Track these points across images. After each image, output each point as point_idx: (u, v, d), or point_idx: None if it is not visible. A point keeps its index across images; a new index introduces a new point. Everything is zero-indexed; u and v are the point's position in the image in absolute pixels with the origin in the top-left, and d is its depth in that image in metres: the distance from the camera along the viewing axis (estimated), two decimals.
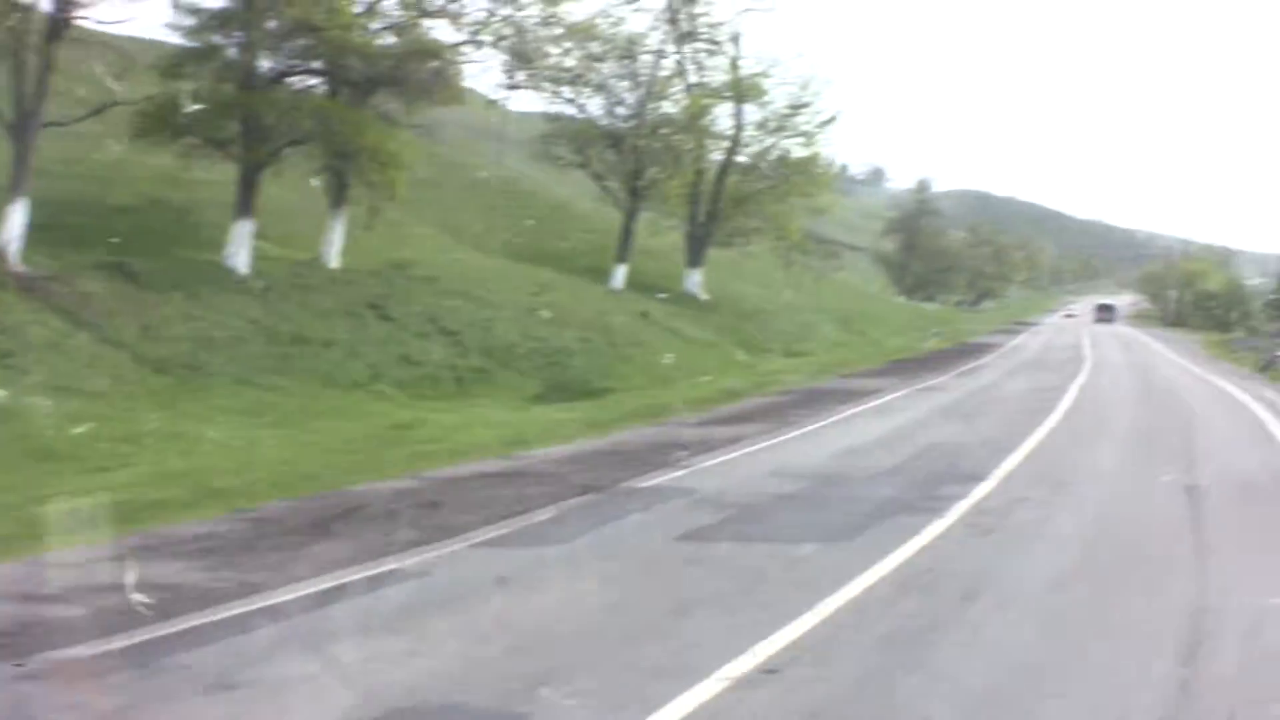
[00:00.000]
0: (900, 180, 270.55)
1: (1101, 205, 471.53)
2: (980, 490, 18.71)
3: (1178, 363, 66.95)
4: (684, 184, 63.77)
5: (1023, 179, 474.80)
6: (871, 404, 34.47)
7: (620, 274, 60.22)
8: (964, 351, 69.16)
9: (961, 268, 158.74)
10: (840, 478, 20.03)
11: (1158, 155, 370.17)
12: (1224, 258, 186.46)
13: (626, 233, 61.74)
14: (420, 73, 39.85)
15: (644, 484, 18.90)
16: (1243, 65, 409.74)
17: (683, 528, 15.45)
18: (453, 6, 43.04)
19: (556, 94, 60.92)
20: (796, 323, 69.36)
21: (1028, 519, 16.68)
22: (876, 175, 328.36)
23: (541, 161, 66.92)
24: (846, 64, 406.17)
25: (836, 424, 28.95)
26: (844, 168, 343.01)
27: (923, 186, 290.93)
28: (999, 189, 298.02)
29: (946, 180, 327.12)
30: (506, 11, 44.89)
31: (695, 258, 65.27)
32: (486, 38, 44.77)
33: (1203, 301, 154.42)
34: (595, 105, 61.97)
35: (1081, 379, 48.57)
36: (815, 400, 35.24)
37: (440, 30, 44.90)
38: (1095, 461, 23.23)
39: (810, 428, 27.73)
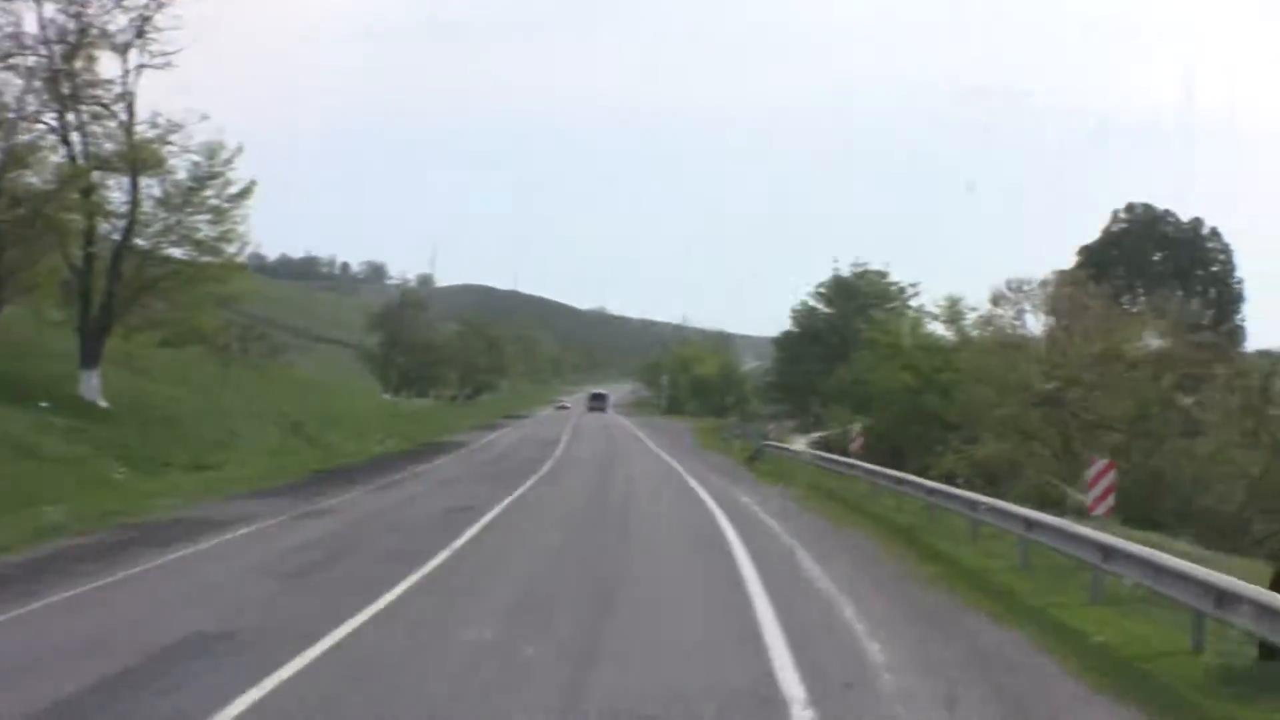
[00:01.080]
0: (402, 277, 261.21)
1: (603, 295, 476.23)
2: None
3: (660, 459, 59.27)
4: (58, 269, 51.94)
5: (527, 273, 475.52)
6: (208, 544, 23.95)
7: None
8: (417, 455, 59.77)
9: (453, 361, 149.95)
10: None
11: (656, 244, 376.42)
12: (720, 342, 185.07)
13: None
14: None
15: None
16: (735, 159, 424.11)
17: None
18: None
19: None
20: (223, 429, 58.05)
21: None
22: (377, 272, 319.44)
23: None
24: (338, 149, 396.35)
25: (117, 585, 18.40)
26: (259, 252, 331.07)
27: (424, 281, 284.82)
28: (502, 282, 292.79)
29: (451, 275, 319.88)
30: None
31: (89, 357, 53.13)
32: None
33: (699, 387, 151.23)
34: None
35: (525, 487, 39.58)
36: (148, 539, 24.57)
37: None
38: (441, 663, 13.18)
39: (67, 594, 17.12)
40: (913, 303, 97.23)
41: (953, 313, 72.01)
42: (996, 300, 72.32)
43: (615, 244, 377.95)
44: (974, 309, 70.93)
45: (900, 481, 33.67)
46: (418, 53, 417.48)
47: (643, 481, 43.59)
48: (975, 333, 70.41)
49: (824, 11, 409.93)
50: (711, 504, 33.63)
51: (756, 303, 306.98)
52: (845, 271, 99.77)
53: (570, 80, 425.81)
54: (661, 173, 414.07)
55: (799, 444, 67.68)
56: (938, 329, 74.69)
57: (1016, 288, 72.76)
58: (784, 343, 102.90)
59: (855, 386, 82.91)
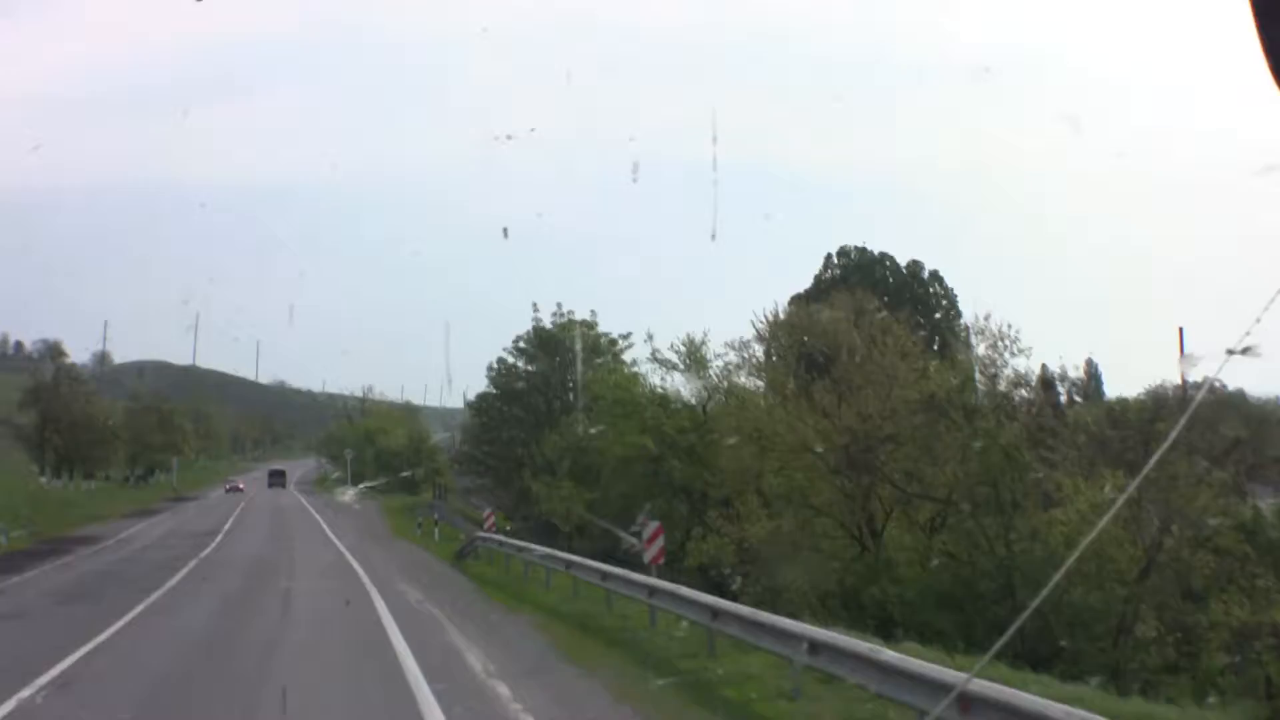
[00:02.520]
0: (79, 355, 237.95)
1: (284, 369, 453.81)
2: None
3: (340, 558, 45.02)
4: None
5: (207, 349, 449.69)
6: None
7: None
8: (24, 556, 44.83)
9: (119, 440, 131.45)
10: None
11: (334, 317, 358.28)
12: (407, 414, 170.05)
13: None
14: None
15: None
16: (421, 225, 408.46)
17: None
18: None
19: None
20: None
21: None
22: (53, 350, 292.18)
23: None
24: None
25: None
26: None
27: (101, 359, 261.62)
28: (180, 358, 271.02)
29: (129, 352, 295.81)
30: None
31: None
32: None
33: (386, 461, 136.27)
34: None
35: (126, 619, 25.54)
36: None
37: None
38: None
39: None
40: (626, 356, 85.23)
41: (696, 359, 59.96)
42: (743, 346, 61.15)
43: (295, 317, 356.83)
44: (720, 354, 59.44)
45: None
46: (85, 124, 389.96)
47: (307, 609, 29.17)
48: (724, 384, 58.83)
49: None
50: (415, 673, 19.57)
51: (443, 375, 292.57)
52: (547, 322, 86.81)
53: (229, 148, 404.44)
54: (333, 244, 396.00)
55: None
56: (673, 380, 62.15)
57: (739, 346, 61.84)
58: (479, 406, 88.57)
59: (575, 454, 70.42)
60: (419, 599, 29.34)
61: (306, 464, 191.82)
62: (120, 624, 24.93)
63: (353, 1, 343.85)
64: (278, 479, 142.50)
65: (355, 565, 40.01)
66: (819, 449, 40.55)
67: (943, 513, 39.03)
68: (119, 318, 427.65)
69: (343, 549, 47.23)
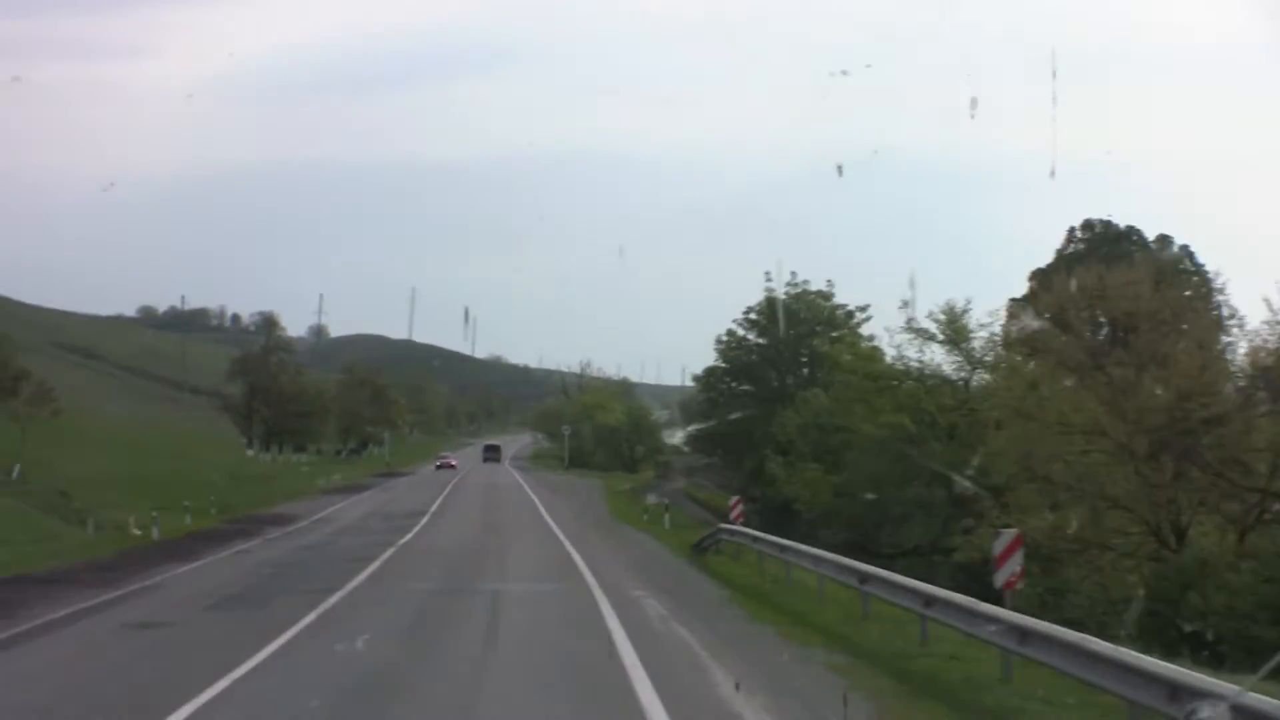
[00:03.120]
0: (296, 329, 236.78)
1: (501, 343, 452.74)
2: None
3: (559, 548, 37.93)
4: None
5: (423, 323, 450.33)
6: None
7: None
8: (200, 542, 39.24)
9: (326, 413, 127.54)
10: None
11: (553, 291, 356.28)
12: (623, 389, 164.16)
13: None
14: None
15: None
16: (649, 197, 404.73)
17: None
18: None
19: None
20: None
21: None
22: (270, 324, 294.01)
23: None
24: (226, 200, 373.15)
25: None
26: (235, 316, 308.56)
27: (317, 332, 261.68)
28: (396, 332, 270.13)
29: (346, 326, 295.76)
30: None
31: None
32: None
33: (604, 437, 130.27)
34: None
35: (288, 634, 19.02)
36: None
37: None
38: None
39: None
40: (864, 330, 77.38)
41: (956, 330, 52.07)
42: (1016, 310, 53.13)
43: (514, 292, 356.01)
44: (985, 323, 51.73)
45: None
46: (310, 104, 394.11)
47: (520, 628, 21.88)
48: (988, 357, 50.94)
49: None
50: None
51: (664, 351, 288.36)
52: (780, 291, 79.32)
53: (464, 123, 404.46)
54: (559, 218, 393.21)
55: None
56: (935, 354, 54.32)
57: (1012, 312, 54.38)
58: (707, 381, 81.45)
59: (815, 434, 63.03)
60: (662, 615, 22.21)
61: (522, 439, 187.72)
62: (270, 649, 18.22)
63: None
64: (492, 454, 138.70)
65: (577, 559, 33.11)
66: (1119, 431, 33.00)
67: (1259, 507, 31.68)
68: (337, 293, 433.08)
69: (562, 537, 40.37)
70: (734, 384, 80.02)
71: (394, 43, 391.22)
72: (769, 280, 79.94)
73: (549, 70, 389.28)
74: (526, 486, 75.65)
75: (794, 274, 79.67)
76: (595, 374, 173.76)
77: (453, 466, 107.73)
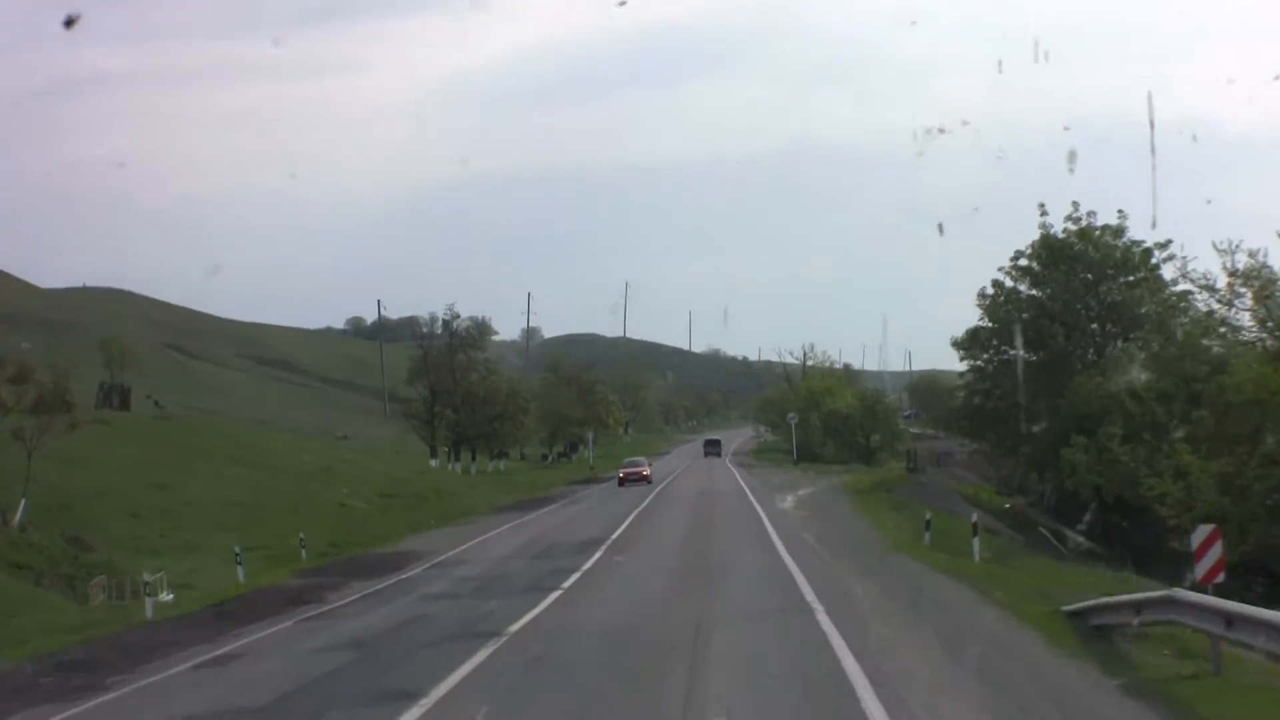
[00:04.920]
0: (510, 332, 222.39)
1: (718, 336, 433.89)
2: None
3: (797, 629, 18.84)
4: None
5: (637, 319, 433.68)
6: None
7: None
8: (241, 612, 22.85)
9: (517, 415, 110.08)
10: None
11: (771, 282, 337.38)
12: (847, 376, 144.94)
13: None
14: None
15: None
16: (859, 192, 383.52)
17: None
18: None
19: None
20: None
21: None
22: (482, 329, 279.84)
23: None
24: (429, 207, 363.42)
25: None
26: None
27: (530, 334, 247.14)
28: (611, 330, 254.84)
29: (559, 326, 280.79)
30: None
31: None
32: None
33: (834, 426, 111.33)
34: None
35: None
36: None
37: None
38: None
39: None
40: (1165, 273, 57.60)
41: None
42: None
43: (729, 283, 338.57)
44: None
45: None
46: (515, 110, 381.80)
47: None
48: None
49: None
50: None
51: (880, 338, 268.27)
52: (1058, 229, 59.45)
53: (663, 125, 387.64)
54: (764, 218, 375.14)
55: None
56: None
57: None
58: (971, 345, 61.89)
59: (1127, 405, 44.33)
60: None
61: (743, 433, 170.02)
62: None
63: None
64: (713, 448, 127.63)
65: (851, 665, 14.82)
66: None
67: None
68: (552, 296, 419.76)
69: (812, 600, 21.65)
70: (1005, 347, 60.59)
71: (614, 46, 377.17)
72: (1043, 215, 60.12)
73: (765, 68, 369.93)
74: (749, 492, 57.05)
75: (1075, 205, 59.66)
76: (818, 360, 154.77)
77: (645, 478, 74.03)
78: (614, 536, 37.24)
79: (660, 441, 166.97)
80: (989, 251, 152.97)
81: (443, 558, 35.27)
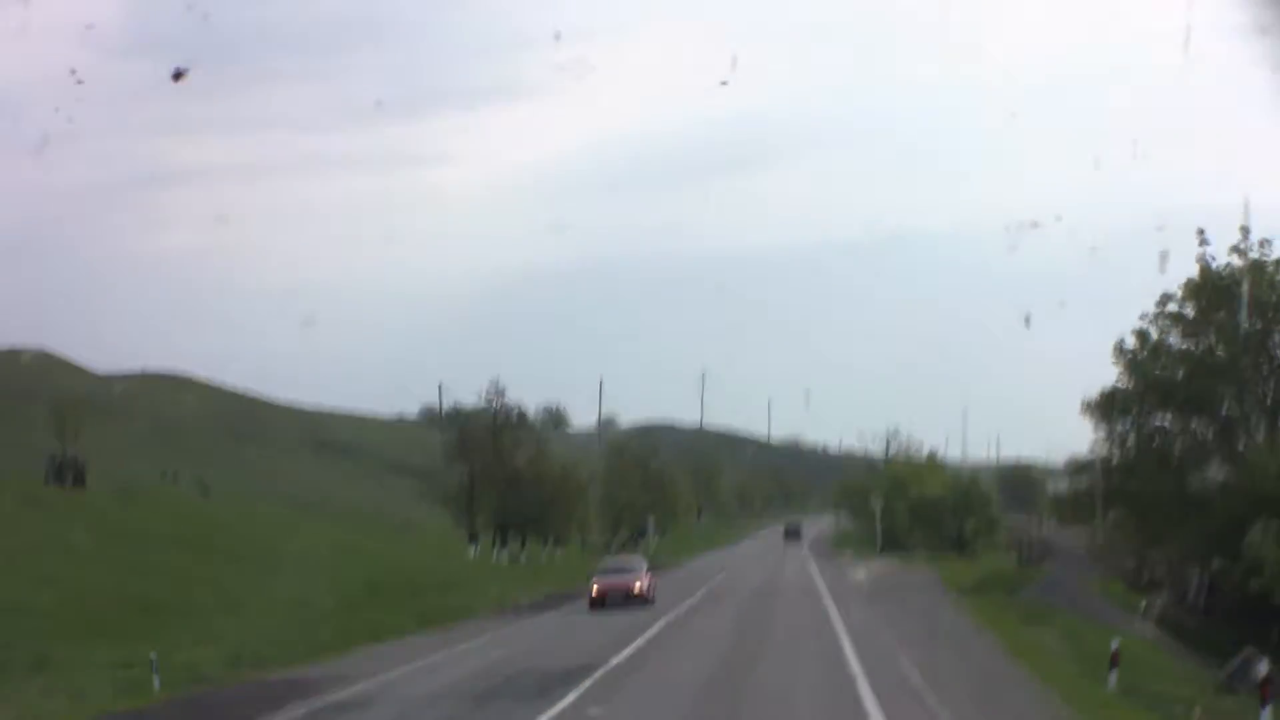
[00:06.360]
0: (585, 420, 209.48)
1: (796, 425, 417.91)
2: None
3: None
4: None
5: (715, 407, 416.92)
6: None
7: None
8: None
9: (578, 498, 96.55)
10: None
11: (851, 371, 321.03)
12: (932, 465, 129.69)
13: None
14: None
15: None
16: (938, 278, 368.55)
17: None
18: None
19: None
20: None
21: None
22: (556, 418, 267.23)
23: None
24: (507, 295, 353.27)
25: None
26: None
27: (607, 423, 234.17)
28: (688, 419, 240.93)
29: (636, 414, 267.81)
30: None
31: None
32: None
33: (924, 512, 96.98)
34: None
35: None
36: None
37: None
38: None
39: None
40: None
41: None
42: None
43: (810, 372, 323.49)
44: None
45: None
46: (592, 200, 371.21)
47: None
48: None
49: None
50: None
51: (961, 428, 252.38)
52: (1217, 261, 45.42)
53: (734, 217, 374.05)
54: (855, 300, 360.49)
55: None
56: None
57: None
58: (1106, 408, 47.58)
59: None
60: None
61: (821, 522, 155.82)
62: None
63: (865, 81, 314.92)
64: (794, 534, 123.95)
65: None
66: None
67: None
68: (628, 386, 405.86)
69: None
70: (1149, 412, 46.62)
71: (695, 135, 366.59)
72: (1203, 243, 45.88)
73: (854, 157, 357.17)
74: (825, 592, 42.97)
75: (1245, 231, 45.41)
76: (902, 446, 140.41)
77: (636, 595, 42.15)
78: (613, 662, 23.77)
79: (734, 530, 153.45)
80: (1075, 346, 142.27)
81: (338, 696, 22.04)
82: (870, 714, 15.97)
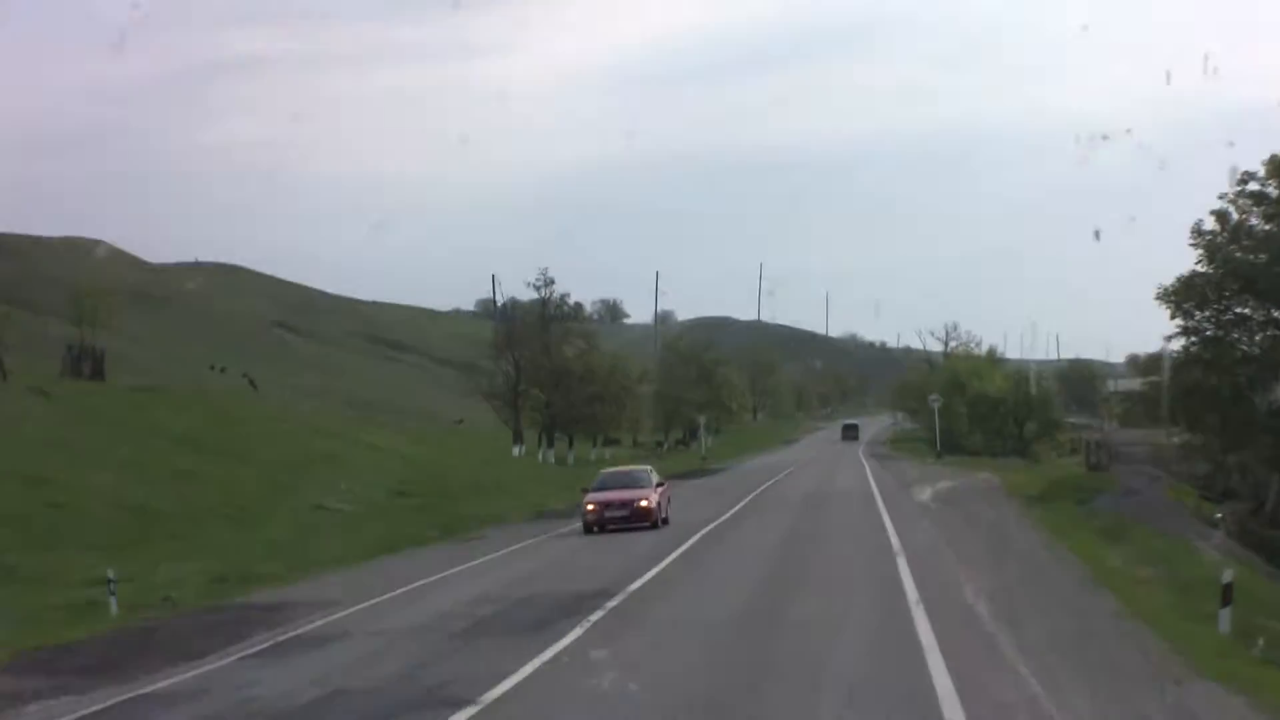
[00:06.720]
0: (642, 315, 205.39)
1: (856, 321, 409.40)
2: None
3: None
4: None
5: (775, 302, 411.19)
6: None
7: None
8: None
9: (627, 394, 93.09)
10: None
11: (912, 269, 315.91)
12: (992, 361, 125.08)
13: None
14: None
15: None
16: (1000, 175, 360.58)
17: None
18: None
19: None
20: None
21: None
22: (613, 311, 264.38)
23: None
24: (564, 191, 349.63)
25: None
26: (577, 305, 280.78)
27: (664, 318, 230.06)
28: (745, 314, 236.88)
29: (692, 309, 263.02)
30: None
31: None
32: None
33: (983, 413, 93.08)
34: None
35: None
36: None
37: None
38: None
39: None
40: None
41: None
42: None
43: (871, 269, 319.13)
44: None
45: None
46: (666, 94, 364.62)
47: None
48: None
49: None
50: None
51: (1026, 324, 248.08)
52: None
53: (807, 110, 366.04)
54: (907, 202, 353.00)
55: None
56: None
57: None
58: (1183, 298, 43.42)
59: None
60: None
61: (879, 421, 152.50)
62: None
63: None
64: (851, 432, 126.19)
65: None
66: None
67: None
68: (688, 280, 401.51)
69: None
70: (1232, 301, 42.64)
71: (752, 28, 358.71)
72: None
73: (927, 50, 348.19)
74: (880, 500, 39.82)
75: None
76: (961, 342, 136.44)
77: (641, 513, 33.31)
78: (635, 585, 20.61)
79: (791, 429, 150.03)
80: (1140, 262, 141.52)
81: (310, 627, 18.99)
82: (930, 662, 12.60)
